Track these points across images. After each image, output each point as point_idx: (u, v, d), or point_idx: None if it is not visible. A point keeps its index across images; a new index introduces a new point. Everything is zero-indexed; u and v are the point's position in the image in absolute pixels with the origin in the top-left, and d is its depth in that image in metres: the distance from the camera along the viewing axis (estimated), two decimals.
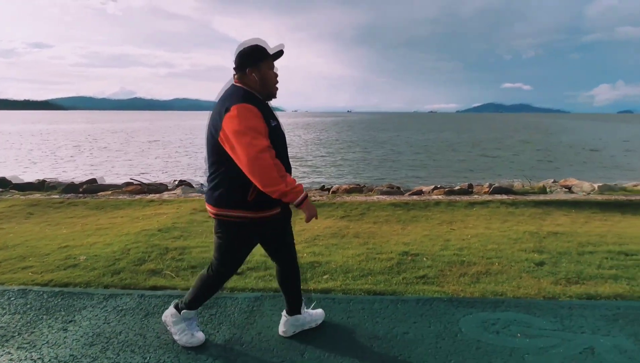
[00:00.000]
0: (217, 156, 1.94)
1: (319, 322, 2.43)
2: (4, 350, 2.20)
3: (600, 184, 6.77)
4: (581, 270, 3.32)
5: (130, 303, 2.73)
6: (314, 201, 6.07)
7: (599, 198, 5.95)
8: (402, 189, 8.09)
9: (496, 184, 6.93)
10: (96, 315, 2.56)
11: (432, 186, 7.36)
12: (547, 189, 6.72)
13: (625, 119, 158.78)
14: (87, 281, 3.14)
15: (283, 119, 2.20)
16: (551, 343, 2.22)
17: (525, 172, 14.12)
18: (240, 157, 1.83)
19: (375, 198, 6.12)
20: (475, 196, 6.24)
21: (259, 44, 2.02)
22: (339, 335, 2.34)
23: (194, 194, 6.53)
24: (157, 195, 6.43)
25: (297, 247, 2.49)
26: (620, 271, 3.27)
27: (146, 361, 2.10)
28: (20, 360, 2.11)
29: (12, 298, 2.81)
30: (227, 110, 1.86)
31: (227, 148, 1.87)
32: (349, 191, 6.86)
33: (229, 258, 2.13)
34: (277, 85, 2.08)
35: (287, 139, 2.16)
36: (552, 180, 8.12)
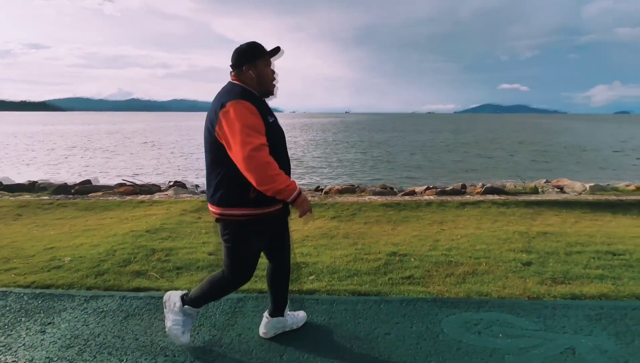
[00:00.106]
0: (215, 154, 1.92)
1: (301, 324, 2.41)
2: None
3: (592, 184, 6.78)
4: (568, 270, 3.31)
5: (111, 305, 2.70)
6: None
7: (590, 198, 5.95)
8: (395, 190, 8.09)
9: (488, 185, 6.93)
10: (76, 317, 2.54)
11: (425, 187, 7.35)
12: (539, 190, 6.72)
13: (621, 120, 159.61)
14: (70, 282, 3.10)
15: (281, 120, 2.17)
16: (532, 344, 2.21)
17: (520, 172, 14.15)
18: (235, 155, 1.82)
19: (367, 198, 6.11)
20: (467, 196, 6.24)
21: (256, 41, 2.03)
22: (320, 336, 2.32)
23: (185, 195, 6.50)
24: (148, 196, 6.40)
25: None
26: (606, 271, 3.26)
27: None
28: None
29: None
30: (222, 106, 1.85)
31: (224, 145, 1.86)
32: (341, 192, 6.85)
33: (238, 262, 2.05)
34: (275, 82, 2.07)
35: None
36: (545, 180, 8.14)
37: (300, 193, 1.90)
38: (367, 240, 4.37)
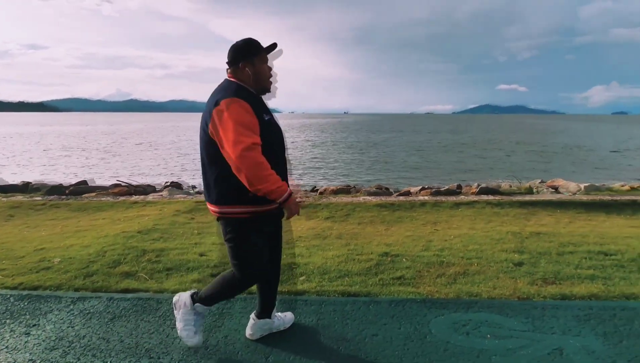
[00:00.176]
0: (211, 152, 1.90)
1: (288, 325, 2.39)
2: None
3: (587, 184, 6.78)
4: (559, 270, 3.30)
5: (98, 306, 2.67)
6: (301, 203, 6.05)
7: (584, 198, 5.95)
8: (392, 191, 8.08)
9: (483, 185, 6.92)
10: (61, 319, 2.51)
11: (420, 187, 7.34)
12: (534, 190, 6.72)
13: (619, 120, 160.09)
14: (58, 284, 3.08)
15: (279, 121, 2.13)
16: (520, 344, 2.20)
17: (517, 173, 14.16)
18: (227, 154, 1.81)
19: (361, 198, 6.10)
20: (462, 196, 6.23)
21: (252, 38, 2.00)
22: (307, 338, 2.30)
23: (179, 196, 6.48)
24: (142, 197, 6.37)
25: None
26: (597, 271, 3.25)
27: None
28: None
29: None
30: (216, 104, 1.84)
31: (217, 143, 1.85)
32: (336, 192, 6.83)
33: (244, 260, 2.00)
34: (272, 79, 2.05)
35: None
36: (540, 180, 8.14)
37: (290, 194, 1.89)
38: (360, 240, 4.36)
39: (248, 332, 2.29)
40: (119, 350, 2.18)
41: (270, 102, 2.10)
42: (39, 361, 2.09)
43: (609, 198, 5.99)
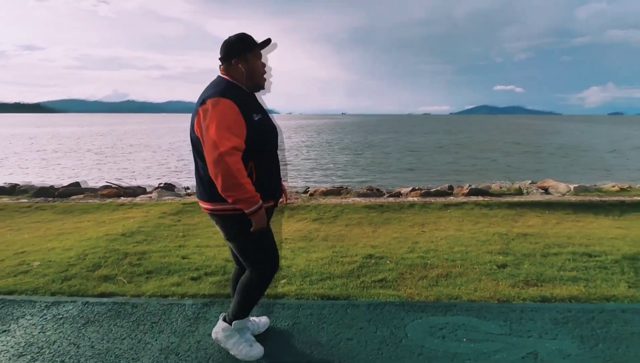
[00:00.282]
0: (200, 149, 1.86)
1: (262, 330, 2.36)
2: None
3: (576, 185, 6.78)
4: (542, 272, 3.29)
5: (72, 311, 2.63)
6: (289, 204, 6.01)
7: (573, 199, 5.95)
8: (384, 191, 8.05)
9: (473, 186, 6.91)
10: (33, 324, 2.47)
11: (410, 188, 7.33)
12: (524, 191, 6.72)
13: (615, 121, 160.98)
14: (35, 287, 3.04)
15: (277, 122, 2.10)
16: (495, 348, 2.17)
17: (512, 173, 14.18)
18: (206, 155, 1.77)
19: (350, 200, 6.07)
20: (451, 197, 6.21)
21: (245, 33, 1.94)
22: (281, 342, 2.27)
23: (167, 198, 6.43)
24: (129, 199, 6.32)
25: None
26: (580, 273, 3.24)
27: None
28: None
29: None
30: (202, 102, 1.80)
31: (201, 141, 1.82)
32: (325, 194, 6.81)
33: (253, 252, 1.96)
34: (266, 76, 1.99)
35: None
36: (530, 181, 8.14)
37: (260, 207, 1.83)
38: (345, 242, 4.33)
39: None
40: (88, 356, 2.15)
41: (268, 102, 2.06)
42: None
43: (598, 198, 5.99)
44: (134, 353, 2.17)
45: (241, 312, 2.09)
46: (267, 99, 2.09)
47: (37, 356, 2.15)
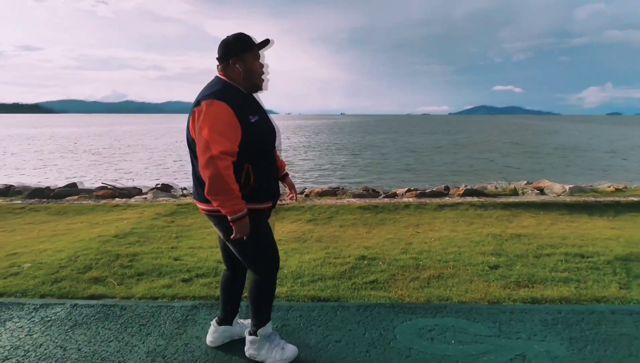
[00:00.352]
0: (195, 149, 1.84)
1: None
2: None
3: (572, 185, 6.78)
4: (534, 273, 3.28)
5: (60, 314, 2.62)
6: (282, 204, 6.01)
7: (568, 199, 5.95)
8: (381, 192, 8.05)
9: (468, 187, 6.91)
10: (20, 327, 2.45)
11: (406, 189, 7.32)
12: (519, 191, 6.72)
13: (614, 121, 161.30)
14: (24, 290, 3.02)
15: (276, 122, 2.08)
16: (483, 350, 2.16)
17: (510, 174, 14.19)
18: (198, 156, 1.77)
19: (345, 201, 6.06)
20: (446, 198, 6.21)
21: (244, 33, 1.91)
22: None
23: (162, 199, 6.41)
24: (123, 200, 6.30)
25: None
26: (572, 274, 3.23)
27: None
28: None
29: None
30: (197, 104, 1.79)
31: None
32: (321, 194, 6.80)
33: (257, 251, 1.95)
34: (264, 76, 1.96)
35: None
36: (525, 182, 8.14)
37: (244, 216, 1.81)
38: (339, 243, 4.32)
39: (209, 338, 2.25)
40: (74, 359, 2.13)
41: (267, 103, 2.04)
42: None
43: (593, 199, 5.99)
44: (120, 356, 2.16)
45: (261, 319, 2.07)
46: (267, 99, 2.06)
47: (23, 359, 2.14)
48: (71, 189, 8.04)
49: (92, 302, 2.79)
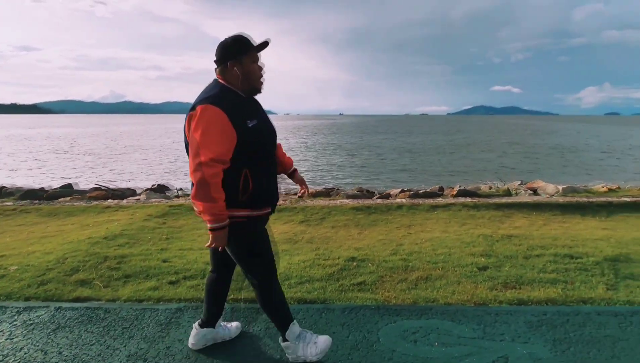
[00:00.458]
0: None
1: (234, 335, 2.34)
2: None
3: (565, 186, 6.78)
4: (522, 274, 3.27)
5: (43, 317, 2.60)
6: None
7: (561, 200, 5.95)
8: (376, 193, 8.04)
9: (462, 187, 6.91)
10: (1, 331, 2.43)
11: (399, 189, 7.32)
12: (513, 192, 6.71)
13: (612, 121, 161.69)
14: (9, 292, 3.00)
15: (275, 123, 2.06)
16: (466, 352, 2.15)
17: (507, 174, 14.21)
18: (189, 160, 1.78)
19: (338, 202, 6.05)
20: (439, 199, 6.20)
21: (242, 35, 1.88)
22: (251, 347, 2.25)
23: (154, 200, 6.39)
24: (115, 201, 6.28)
25: None
26: (560, 275, 3.23)
27: None
28: None
29: None
30: (192, 108, 1.79)
31: None
32: (315, 195, 6.79)
33: (249, 254, 1.95)
34: (262, 79, 1.93)
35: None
36: (519, 182, 8.15)
37: (223, 227, 1.80)
38: (330, 244, 4.31)
39: (190, 341, 2.24)
40: None
41: (265, 103, 2.02)
42: None
43: (586, 199, 5.99)
44: (101, 359, 2.14)
45: (283, 323, 2.06)
46: (266, 99, 2.04)
47: None
48: (65, 190, 8.01)
49: (77, 305, 2.77)
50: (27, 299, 2.92)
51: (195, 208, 1.93)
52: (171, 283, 3.19)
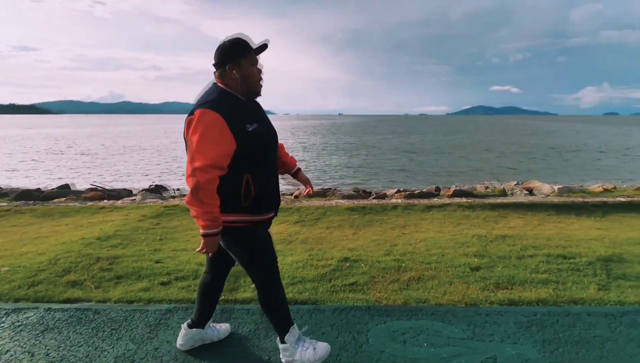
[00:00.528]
0: None
1: (223, 336, 2.33)
2: None
3: (561, 186, 6.78)
4: (514, 274, 3.27)
5: (32, 318, 2.59)
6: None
7: (556, 200, 5.95)
8: (372, 193, 8.04)
9: (457, 187, 6.90)
10: None
11: (395, 189, 7.31)
12: (508, 192, 6.71)
13: (610, 121, 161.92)
14: None
15: (274, 123, 2.05)
16: (455, 353, 2.15)
17: (504, 175, 14.21)
18: (186, 165, 1.77)
19: (333, 202, 6.05)
20: (434, 199, 6.20)
21: (240, 37, 1.87)
22: (240, 349, 2.24)
23: (149, 200, 6.38)
24: (110, 201, 6.26)
25: None
26: (552, 275, 3.23)
27: None
28: None
29: None
30: (191, 113, 1.78)
31: None
32: (310, 196, 6.77)
33: (251, 258, 1.95)
34: (261, 82, 1.92)
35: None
36: (515, 182, 8.15)
37: (214, 234, 1.79)
38: (324, 245, 4.31)
39: (179, 342, 2.23)
40: None
41: (265, 103, 2.00)
42: None
43: (581, 199, 5.99)
44: (88, 360, 2.13)
45: (283, 326, 2.06)
46: (265, 99, 2.02)
47: None
48: (60, 191, 7.99)
49: (66, 306, 2.76)
50: (16, 300, 2.91)
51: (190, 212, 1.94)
52: (162, 284, 3.18)
